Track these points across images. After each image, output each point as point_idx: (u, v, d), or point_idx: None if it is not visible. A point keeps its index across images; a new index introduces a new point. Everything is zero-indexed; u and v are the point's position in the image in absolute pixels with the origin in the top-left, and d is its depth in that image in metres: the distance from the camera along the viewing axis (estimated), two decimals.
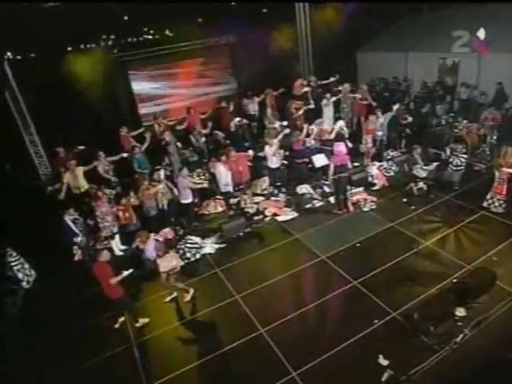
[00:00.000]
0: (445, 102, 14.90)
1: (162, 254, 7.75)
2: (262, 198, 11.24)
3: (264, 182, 11.76)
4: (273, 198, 11.16)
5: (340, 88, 13.65)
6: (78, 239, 9.35)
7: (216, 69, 16.15)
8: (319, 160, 10.99)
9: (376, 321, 6.91)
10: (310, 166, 11.56)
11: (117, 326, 7.74)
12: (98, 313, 7.93)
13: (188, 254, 9.38)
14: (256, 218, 10.58)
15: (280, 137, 11.09)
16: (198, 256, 9.39)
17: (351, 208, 10.38)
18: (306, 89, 13.75)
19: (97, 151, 11.02)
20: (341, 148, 9.92)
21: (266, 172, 11.73)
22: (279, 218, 10.42)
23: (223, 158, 10.41)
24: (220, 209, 11.08)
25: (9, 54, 13.79)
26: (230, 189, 10.60)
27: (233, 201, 11.16)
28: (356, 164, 12.26)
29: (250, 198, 11.03)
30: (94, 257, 8.77)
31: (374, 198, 10.63)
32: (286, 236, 9.75)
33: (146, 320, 7.74)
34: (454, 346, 6.27)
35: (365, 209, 10.29)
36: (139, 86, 15.35)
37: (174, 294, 8.23)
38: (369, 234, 9.27)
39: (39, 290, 9.23)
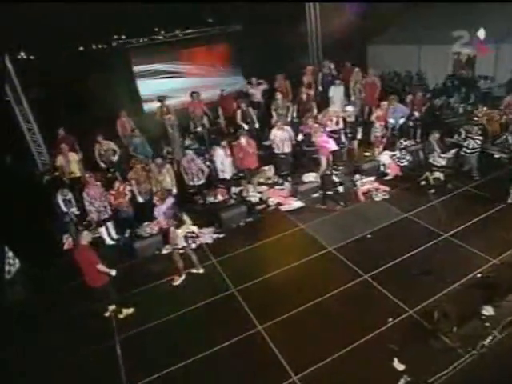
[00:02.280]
0: (460, 93, 13.84)
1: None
2: (265, 188, 10.28)
3: (269, 171, 10.82)
4: (277, 187, 10.20)
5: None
6: (67, 218, 8.49)
7: (220, 57, 15.23)
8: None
9: (390, 319, 5.96)
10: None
11: (107, 314, 6.89)
12: (83, 304, 6.99)
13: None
14: (258, 207, 9.63)
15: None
16: (193, 246, 8.40)
17: (362, 198, 9.40)
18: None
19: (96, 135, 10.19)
20: (324, 138, 9.08)
21: (271, 161, 10.81)
22: (283, 208, 9.48)
23: (223, 142, 9.51)
24: (220, 198, 10.14)
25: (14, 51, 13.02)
26: (228, 176, 9.72)
27: (234, 190, 10.23)
28: (367, 154, 11.30)
29: (254, 186, 10.10)
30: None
31: (387, 188, 9.62)
32: (290, 226, 8.80)
33: (131, 310, 6.91)
34: (481, 350, 5.29)
35: (377, 199, 9.31)
36: (142, 75, 14.48)
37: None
38: (381, 225, 8.30)
39: (24, 279, 8.38)
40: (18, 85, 12.56)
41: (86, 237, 6.45)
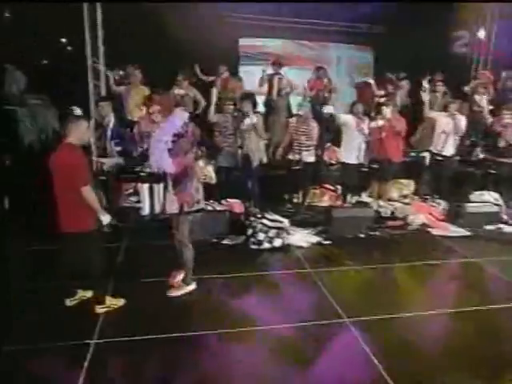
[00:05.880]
0: None
1: None
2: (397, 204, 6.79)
3: (407, 187, 7.37)
4: (421, 203, 6.68)
5: None
6: None
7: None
8: None
9: None
10: None
11: (70, 303, 3.75)
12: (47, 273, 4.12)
13: (260, 236, 5.19)
14: (391, 223, 6.14)
15: None
16: (276, 243, 5.16)
17: None
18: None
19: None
20: None
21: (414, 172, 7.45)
22: (436, 232, 5.89)
23: (357, 107, 6.38)
24: (327, 202, 6.84)
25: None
26: (353, 160, 6.43)
27: (350, 198, 6.86)
28: None
29: (386, 194, 6.71)
30: None
31: None
32: (449, 255, 5.21)
33: (121, 302, 3.75)
34: None
35: None
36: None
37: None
38: None
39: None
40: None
41: (80, 128, 3.47)
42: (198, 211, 4.06)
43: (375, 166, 6.61)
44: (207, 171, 4.35)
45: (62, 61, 9.17)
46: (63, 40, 9.06)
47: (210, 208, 5.55)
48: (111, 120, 5.67)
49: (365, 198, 7.00)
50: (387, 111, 6.33)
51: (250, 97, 6.23)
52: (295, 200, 6.71)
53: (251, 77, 9.45)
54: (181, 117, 3.92)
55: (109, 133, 5.61)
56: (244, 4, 9.70)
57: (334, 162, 7.74)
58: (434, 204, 6.55)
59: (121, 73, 7.88)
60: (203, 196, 4.14)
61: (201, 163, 4.22)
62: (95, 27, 8.08)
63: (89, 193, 3.39)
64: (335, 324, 3.57)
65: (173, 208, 3.92)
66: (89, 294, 3.73)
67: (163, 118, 4.16)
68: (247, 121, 5.97)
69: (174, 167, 3.80)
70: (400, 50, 11.74)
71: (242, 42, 11.20)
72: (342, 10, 11.50)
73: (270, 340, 3.37)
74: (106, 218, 3.56)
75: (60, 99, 8.09)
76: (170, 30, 8.56)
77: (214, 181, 4.54)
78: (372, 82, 9.19)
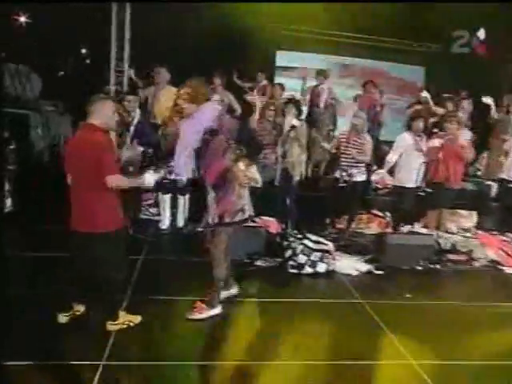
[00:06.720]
0: None
1: None
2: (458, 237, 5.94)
3: (468, 219, 6.55)
4: (490, 237, 5.82)
5: None
6: None
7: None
8: None
9: None
10: None
11: (63, 319, 3.07)
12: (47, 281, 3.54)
13: (301, 259, 4.47)
14: (454, 256, 5.32)
15: None
16: (320, 268, 4.43)
17: None
18: None
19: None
20: None
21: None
22: (510, 270, 5.05)
23: (417, 123, 5.68)
24: (376, 229, 6.07)
25: None
26: (412, 184, 5.68)
27: (403, 227, 6.06)
28: None
29: (443, 225, 5.90)
30: None
31: None
32: None
33: (137, 319, 3.10)
34: None
35: None
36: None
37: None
38: None
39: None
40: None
41: (105, 109, 2.99)
42: (241, 222, 3.41)
43: (430, 190, 5.83)
44: (250, 173, 3.64)
45: (84, 64, 8.91)
46: (86, 42, 8.78)
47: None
48: (136, 117, 5.18)
49: (418, 228, 6.22)
50: (452, 128, 5.61)
51: (294, 102, 5.67)
52: (338, 224, 5.99)
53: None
54: (212, 111, 3.34)
55: (131, 129, 5.10)
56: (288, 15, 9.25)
57: (380, 187, 7.16)
58: (505, 238, 5.70)
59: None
60: (250, 202, 3.48)
61: (241, 165, 3.54)
62: (122, 28, 7.74)
63: (118, 181, 2.90)
64: (400, 366, 2.80)
65: (214, 219, 3.30)
66: (82, 308, 3.11)
67: (191, 106, 3.48)
68: (288, 120, 5.37)
69: (211, 175, 3.28)
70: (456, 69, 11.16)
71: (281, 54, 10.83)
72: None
73: (314, 379, 2.65)
74: (149, 178, 3.13)
75: (79, 103, 7.71)
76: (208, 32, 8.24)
77: (259, 184, 3.87)
78: (428, 97, 8.57)
